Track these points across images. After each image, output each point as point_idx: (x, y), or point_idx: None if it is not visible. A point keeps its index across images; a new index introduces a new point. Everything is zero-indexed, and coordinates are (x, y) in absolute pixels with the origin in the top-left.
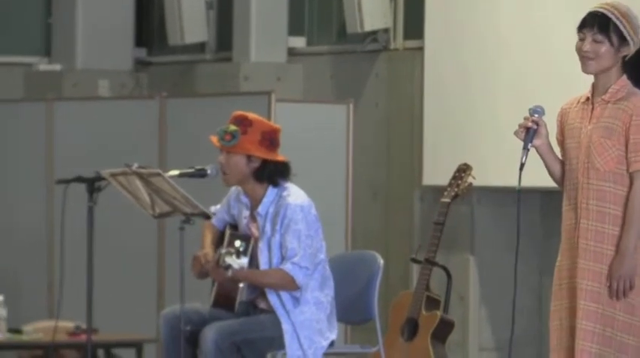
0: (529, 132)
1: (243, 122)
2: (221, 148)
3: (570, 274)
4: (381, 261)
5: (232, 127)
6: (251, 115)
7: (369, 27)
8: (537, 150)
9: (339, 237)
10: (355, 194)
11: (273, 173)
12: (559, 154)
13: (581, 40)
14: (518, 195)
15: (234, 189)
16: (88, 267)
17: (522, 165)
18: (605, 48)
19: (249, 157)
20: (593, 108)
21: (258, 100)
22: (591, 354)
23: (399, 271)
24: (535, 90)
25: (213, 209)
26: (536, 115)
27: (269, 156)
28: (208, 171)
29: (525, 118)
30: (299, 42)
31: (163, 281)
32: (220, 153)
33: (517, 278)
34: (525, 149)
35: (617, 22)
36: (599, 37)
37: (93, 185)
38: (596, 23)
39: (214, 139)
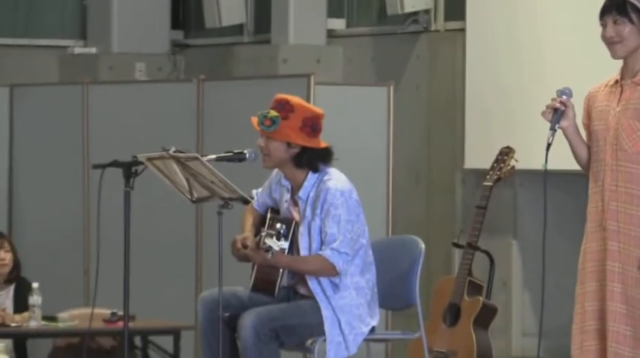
0: (556, 114)
1: (284, 107)
2: (261, 133)
3: (598, 257)
4: (423, 246)
5: (273, 113)
6: (294, 100)
7: (409, 8)
8: (564, 132)
9: (379, 222)
10: (396, 178)
11: (313, 159)
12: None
13: (604, 26)
14: (545, 175)
15: (275, 172)
16: (125, 253)
17: (549, 146)
18: (627, 28)
19: (288, 143)
20: (622, 91)
21: (298, 83)
22: (626, 337)
23: (441, 256)
24: (579, 71)
25: (254, 192)
26: (564, 97)
27: (309, 144)
28: (247, 155)
29: (553, 99)
30: (338, 24)
31: (201, 268)
32: (260, 136)
33: (564, 264)
34: (552, 130)
35: (633, 1)
36: (619, 18)
37: (130, 169)
38: (614, 7)
39: (255, 122)
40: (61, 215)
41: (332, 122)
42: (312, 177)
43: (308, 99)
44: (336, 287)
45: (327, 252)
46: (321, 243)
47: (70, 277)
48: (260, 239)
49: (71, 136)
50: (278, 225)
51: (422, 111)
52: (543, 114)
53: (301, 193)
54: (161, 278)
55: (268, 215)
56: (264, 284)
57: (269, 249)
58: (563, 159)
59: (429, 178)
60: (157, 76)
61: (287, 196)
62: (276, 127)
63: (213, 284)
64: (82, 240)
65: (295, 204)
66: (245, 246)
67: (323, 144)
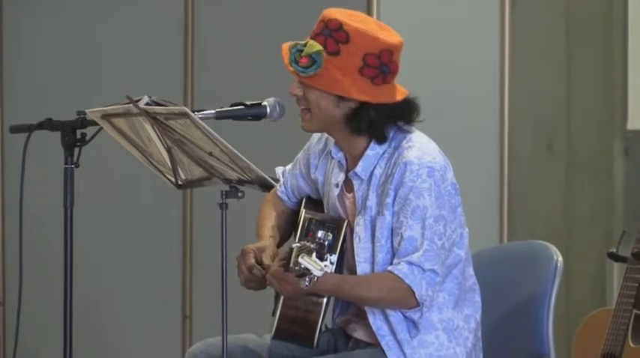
0: None
1: (333, 34)
2: (295, 76)
3: None
4: (560, 259)
5: (315, 47)
6: (349, 20)
7: None
8: None
9: (487, 220)
10: (516, 145)
11: (380, 121)
12: None
13: None
14: None
15: (317, 137)
16: (65, 273)
17: None
18: None
19: (340, 96)
20: None
21: None
22: None
23: (589, 274)
24: None
25: (279, 171)
26: None
27: (373, 98)
28: (267, 110)
29: None
30: None
31: (190, 299)
32: (295, 81)
33: None
34: None
35: None
36: None
37: (73, 134)
38: None
39: (285, 53)
40: None
41: (411, 57)
42: (378, 144)
43: (369, 14)
44: (414, 326)
45: (401, 268)
46: (393, 253)
47: None
48: (290, 256)
49: None
50: (320, 233)
51: (557, 35)
52: None
53: (360, 168)
54: (123, 316)
55: (302, 212)
56: (295, 328)
57: (305, 273)
58: None
59: (569, 146)
60: None
61: (339, 177)
62: (318, 69)
63: (211, 328)
64: None
65: (350, 189)
66: (261, 265)
67: (399, 96)
